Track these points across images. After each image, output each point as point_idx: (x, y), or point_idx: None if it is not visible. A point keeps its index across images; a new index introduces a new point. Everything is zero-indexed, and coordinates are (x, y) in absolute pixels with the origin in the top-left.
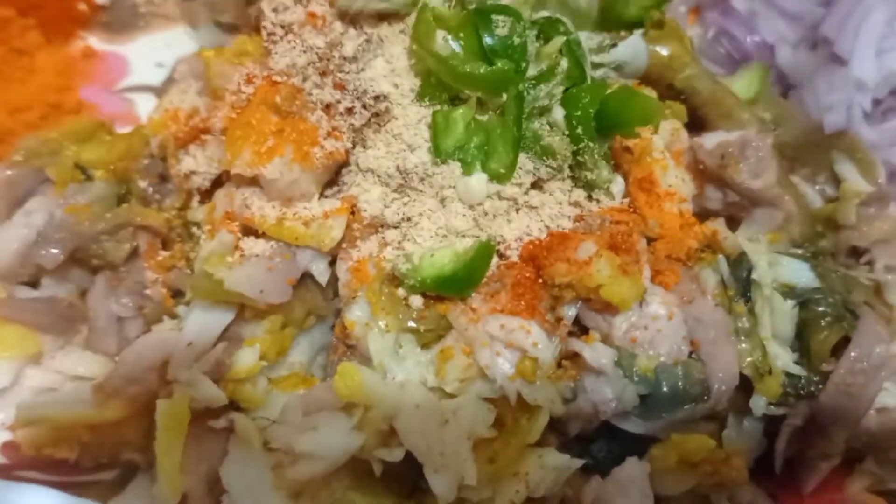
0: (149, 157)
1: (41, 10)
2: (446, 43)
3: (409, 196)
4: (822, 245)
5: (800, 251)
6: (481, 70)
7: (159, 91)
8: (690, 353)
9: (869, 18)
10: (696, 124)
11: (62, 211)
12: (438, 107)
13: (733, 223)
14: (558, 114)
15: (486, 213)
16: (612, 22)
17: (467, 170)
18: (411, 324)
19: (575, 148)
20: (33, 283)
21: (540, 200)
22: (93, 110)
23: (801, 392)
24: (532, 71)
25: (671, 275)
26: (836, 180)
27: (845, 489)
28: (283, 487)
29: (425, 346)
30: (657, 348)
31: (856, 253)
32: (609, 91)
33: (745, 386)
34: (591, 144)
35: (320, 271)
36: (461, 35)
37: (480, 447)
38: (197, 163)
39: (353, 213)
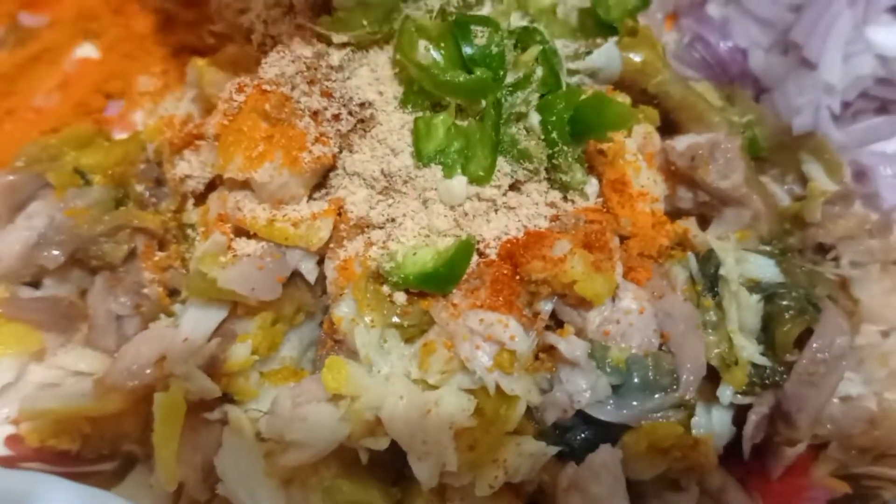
0: (145, 163)
1: None
2: (428, 52)
3: (393, 198)
4: (790, 242)
5: (768, 248)
6: (461, 78)
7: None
8: (661, 345)
9: (836, 24)
10: (669, 127)
11: (62, 214)
12: (420, 113)
13: (705, 222)
14: (534, 119)
15: (466, 214)
16: (590, 27)
17: (448, 173)
18: (395, 319)
19: (550, 151)
20: (35, 284)
21: (517, 201)
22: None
23: (767, 382)
24: (510, 78)
25: (643, 271)
26: (804, 180)
27: (811, 474)
28: (274, 475)
29: (409, 340)
30: (629, 341)
31: (822, 249)
32: (583, 97)
33: (713, 376)
34: (565, 148)
35: (309, 270)
36: (442, 45)
37: (461, 435)
38: (191, 167)
39: (339, 214)
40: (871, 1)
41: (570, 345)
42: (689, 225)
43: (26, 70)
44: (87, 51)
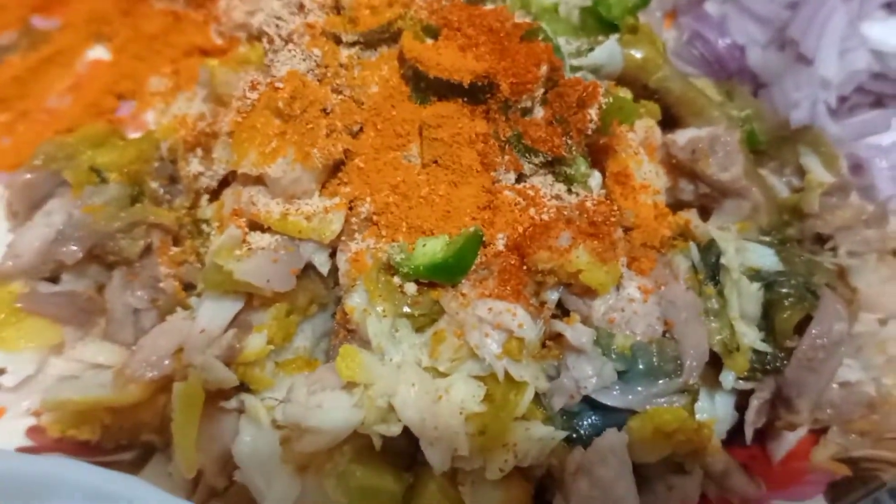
0: (159, 160)
1: None
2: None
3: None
4: (789, 232)
5: (768, 238)
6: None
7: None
8: (664, 332)
9: (832, 20)
10: (669, 122)
11: (79, 211)
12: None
13: (706, 213)
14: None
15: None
16: (591, 25)
17: None
18: (406, 309)
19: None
20: (54, 279)
21: (523, 194)
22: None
23: (768, 367)
24: None
25: (646, 261)
26: (802, 172)
27: (812, 457)
28: (290, 461)
29: (419, 329)
30: (633, 328)
31: (820, 239)
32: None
33: (716, 362)
34: (569, 142)
35: (322, 262)
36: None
37: (472, 421)
38: (204, 164)
39: (350, 208)
40: None
41: (576, 332)
42: (691, 216)
43: (39, 72)
44: (99, 53)
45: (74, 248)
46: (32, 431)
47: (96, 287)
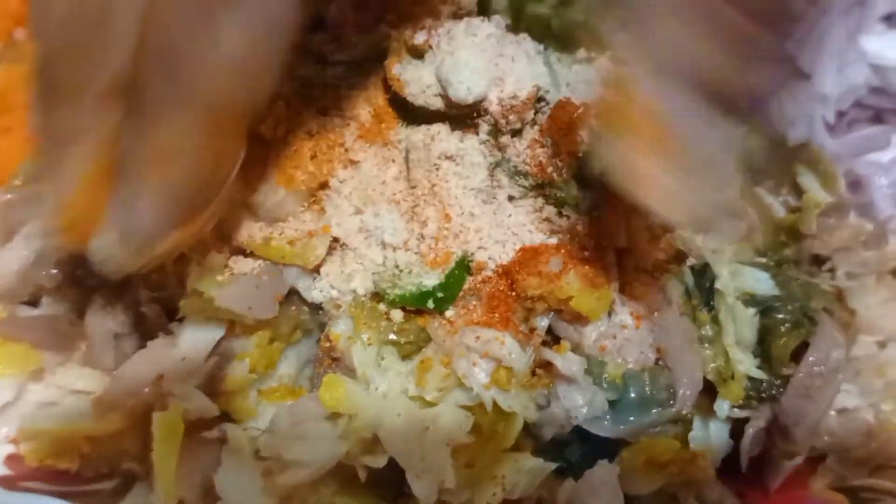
0: None
1: None
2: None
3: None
4: (786, 254)
5: (763, 260)
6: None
7: None
8: (657, 360)
9: (830, 34)
10: None
11: None
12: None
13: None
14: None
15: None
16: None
17: None
18: (392, 337)
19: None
20: (33, 303)
21: (512, 217)
22: None
23: (763, 395)
24: None
25: (639, 286)
26: (799, 191)
27: (809, 486)
28: (273, 493)
29: (406, 357)
30: (625, 356)
31: (818, 261)
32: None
33: (710, 390)
34: (560, 164)
35: (306, 288)
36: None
37: (459, 452)
38: None
39: None
40: (864, 10)
41: (566, 361)
42: (685, 238)
43: (22, 87)
44: None
45: (55, 271)
46: (10, 460)
47: (77, 311)
